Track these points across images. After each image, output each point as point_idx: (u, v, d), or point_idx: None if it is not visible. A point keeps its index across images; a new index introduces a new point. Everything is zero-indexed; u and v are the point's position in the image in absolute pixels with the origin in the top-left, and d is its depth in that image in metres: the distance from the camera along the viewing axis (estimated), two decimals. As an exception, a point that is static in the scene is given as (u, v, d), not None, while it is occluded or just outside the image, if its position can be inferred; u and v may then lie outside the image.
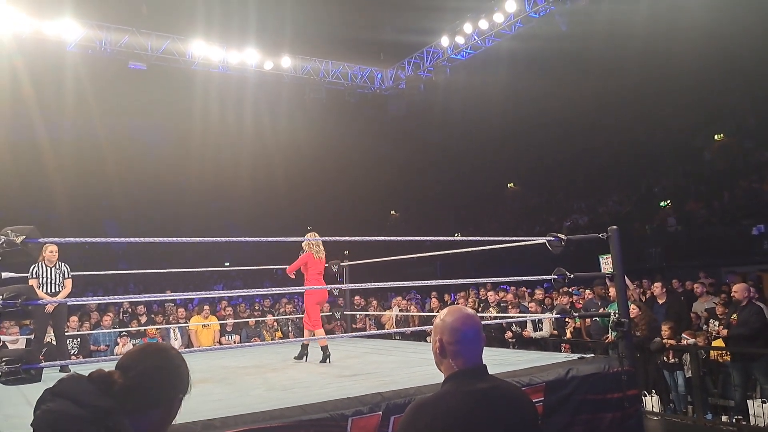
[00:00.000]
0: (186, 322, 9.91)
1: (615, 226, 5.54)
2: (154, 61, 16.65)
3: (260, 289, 12.79)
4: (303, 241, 6.60)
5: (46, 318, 6.49)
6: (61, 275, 6.62)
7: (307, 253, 6.56)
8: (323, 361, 6.24)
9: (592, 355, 5.79)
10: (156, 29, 16.62)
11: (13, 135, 25.02)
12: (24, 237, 3.22)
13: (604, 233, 5.50)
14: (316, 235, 6.54)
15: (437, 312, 8.65)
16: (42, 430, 1.34)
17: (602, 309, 7.91)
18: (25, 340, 7.88)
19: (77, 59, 16.71)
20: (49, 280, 6.52)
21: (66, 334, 7.04)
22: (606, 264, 7.90)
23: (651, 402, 7.56)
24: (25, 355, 3.30)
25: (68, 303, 7.12)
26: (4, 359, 3.18)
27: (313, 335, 6.55)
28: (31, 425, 1.37)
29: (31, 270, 6.43)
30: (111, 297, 8.89)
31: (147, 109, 25.50)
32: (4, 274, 5.83)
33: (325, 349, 6.32)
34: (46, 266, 6.52)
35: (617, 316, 5.39)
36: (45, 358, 6.84)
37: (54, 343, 6.92)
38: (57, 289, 6.54)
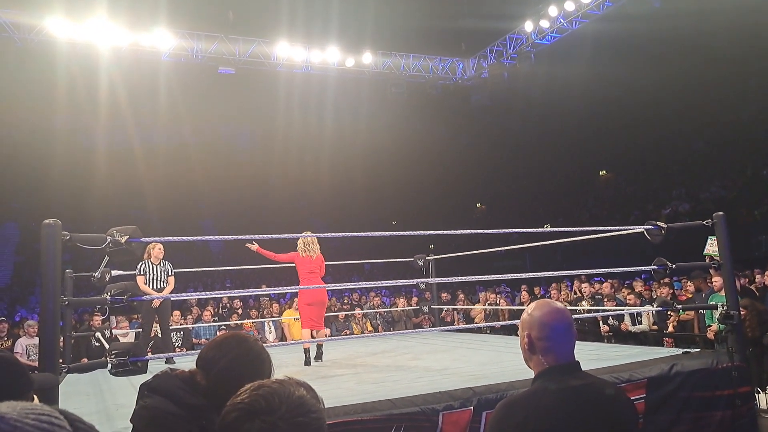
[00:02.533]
0: (279, 316, 10.25)
1: (721, 212, 5.17)
2: (242, 65, 17.30)
3: (347, 284, 13.02)
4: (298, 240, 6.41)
5: (152, 313, 6.91)
6: (166, 273, 7.01)
7: (298, 254, 6.38)
8: (306, 364, 6.05)
9: (698, 349, 5.44)
10: (243, 34, 17.26)
11: (113, 143, 26.87)
12: (128, 237, 3.42)
13: (709, 220, 5.14)
14: (309, 232, 6.37)
15: (527, 306, 8.41)
16: (140, 425, 1.40)
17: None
18: (135, 333, 8.42)
19: (170, 68, 17.66)
20: (154, 277, 6.92)
21: (170, 327, 7.46)
22: (711, 246, 7.34)
23: (766, 400, 7.00)
24: (132, 348, 3.50)
25: (172, 298, 7.53)
26: (113, 352, 3.40)
27: (314, 336, 6.33)
28: (130, 420, 1.43)
29: (138, 267, 6.85)
30: (210, 293, 9.32)
31: (235, 112, 26.61)
32: (114, 272, 6.26)
33: (306, 351, 6.12)
34: (152, 264, 6.92)
35: (725, 308, 5.02)
36: (152, 351, 7.29)
37: (160, 336, 7.35)
38: (162, 286, 6.93)
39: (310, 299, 6.42)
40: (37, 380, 1.59)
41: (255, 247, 6.39)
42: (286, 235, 5.92)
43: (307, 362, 6.07)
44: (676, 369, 4.39)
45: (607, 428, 1.63)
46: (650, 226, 5.38)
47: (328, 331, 6.67)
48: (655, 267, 5.41)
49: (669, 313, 7.81)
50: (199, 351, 1.63)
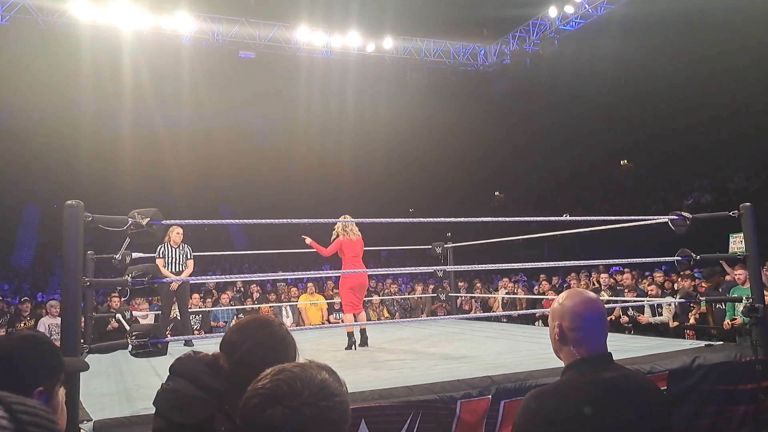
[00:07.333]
0: (297, 301, 10.29)
1: (748, 203, 5.05)
2: (262, 50, 17.27)
3: (364, 269, 13.00)
4: (336, 224, 6.37)
5: (171, 295, 6.97)
6: (185, 256, 7.05)
7: (340, 239, 6.33)
8: (348, 348, 5.98)
9: (721, 342, 5.35)
10: (263, 18, 17.21)
11: (136, 126, 27.02)
12: (149, 219, 3.42)
13: (735, 211, 5.03)
14: (348, 217, 6.29)
15: (546, 295, 8.28)
16: (162, 408, 1.38)
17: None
18: (154, 315, 8.50)
19: (192, 51, 17.70)
20: (173, 260, 6.96)
21: (189, 310, 7.52)
22: (734, 243, 7.19)
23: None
24: (152, 330, 3.52)
25: (190, 281, 7.58)
26: (134, 334, 3.42)
27: (355, 320, 6.32)
28: (153, 403, 1.42)
29: (158, 250, 6.90)
30: (228, 276, 9.37)
31: (255, 97, 26.61)
32: (134, 254, 6.30)
33: (350, 335, 6.08)
34: (172, 247, 6.97)
35: (750, 301, 4.92)
36: (172, 333, 7.36)
37: (179, 318, 7.41)
38: (181, 269, 6.98)
39: (352, 283, 6.39)
40: (69, 363, 1.58)
41: (309, 240, 6.39)
42: (305, 220, 5.86)
43: (350, 346, 6.02)
44: (699, 362, 4.33)
45: (642, 420, 1.59)
46: (675, 217, 5.28)
47: (364, 314, 6.70)
48: (679, 258, 5.32)
49: (691, 305, 7.72)
50: (217, 333, 1.60)
